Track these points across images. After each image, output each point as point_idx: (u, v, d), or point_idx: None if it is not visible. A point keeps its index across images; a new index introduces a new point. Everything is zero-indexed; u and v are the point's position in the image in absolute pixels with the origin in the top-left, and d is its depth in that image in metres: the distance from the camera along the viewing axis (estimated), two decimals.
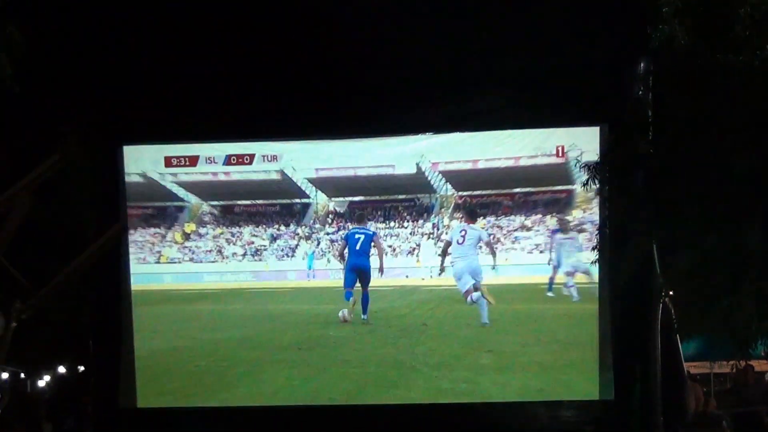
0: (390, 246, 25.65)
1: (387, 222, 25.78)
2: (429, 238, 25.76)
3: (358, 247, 22.31)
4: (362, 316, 21.88)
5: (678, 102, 15.47)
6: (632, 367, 17.52)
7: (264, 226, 26.27)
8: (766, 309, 14.68)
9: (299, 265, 26.47)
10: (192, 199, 25.11)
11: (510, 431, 17.75)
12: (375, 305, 22.51)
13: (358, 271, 22.05)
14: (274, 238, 26.30)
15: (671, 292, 17.02)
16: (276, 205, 26.23)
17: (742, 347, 16.50)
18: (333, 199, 25.50)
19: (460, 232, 21.95)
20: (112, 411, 18.95)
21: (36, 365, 30.75)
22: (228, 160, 21.74)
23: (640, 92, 17.05)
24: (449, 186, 25.21)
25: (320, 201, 25.88)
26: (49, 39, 17.30)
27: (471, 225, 22.15)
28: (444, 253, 22.43)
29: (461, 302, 21.37)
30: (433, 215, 25.82)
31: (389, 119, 19.40)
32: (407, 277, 26.17)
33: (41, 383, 35.76)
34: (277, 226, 26.16)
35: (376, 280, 22.73)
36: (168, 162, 21.15)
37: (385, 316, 22.82)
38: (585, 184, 16.67)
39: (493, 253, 22.12)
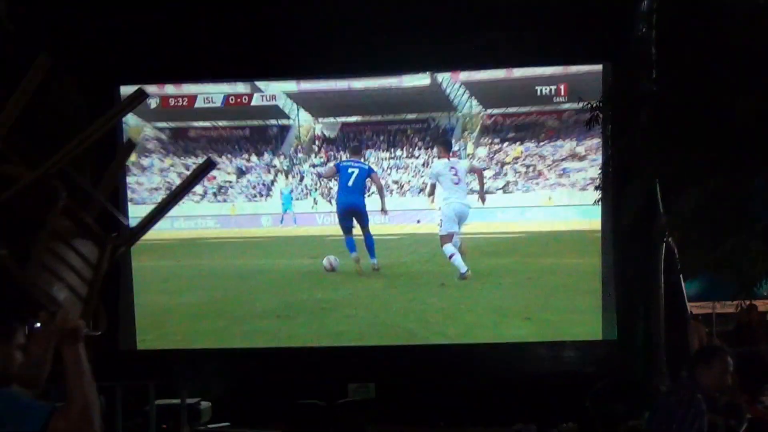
0: (396, 182, 20.89)
1: (392, 150, 20.86)
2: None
3: (350, 184, 19.51)
4: (371, 261, 19.57)
5: (682, 40, 15.47)
6: (635, 308, 17.51)
7: (229, 155, 21.08)
8: None
9: (276, 208, 21.56)
10: (131, 121, 20.13)
11: (514, 371, 17.42)
12: (378, 260, 19.91)
13: (352, 212, 19.57)
14: (242, 172, 21.28)
15: (675, 233, 16.91)
16: (245, 128, 20.84)
17: (747, 287, 16.58)
18: (320, 119, 20.82)
19: (450, 170, 19.48)
20: (113, 354, 17.53)
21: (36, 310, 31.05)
22: (226, 101, 20.27)
23: (644, 30, 16.87)
24: (475, 101, 20.31)
25: (303, 123, 20.82)
26: None
27: (453, 159, 19.70)
28: (430, 196, 19.99)
29: (489, 254, 20.30)
30: (453, 140, 20.35)
31: (390, 57, 18.64)
32: (419, 222, 21.12)
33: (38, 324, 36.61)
34: (246, 156, 20.97)
35: (378, 227, 20.10)
36: (165, 102, 19.95)
37: (391, 274, 20.03)
38: (588, 124, 17.01)
39: (482, 185, 19.55)
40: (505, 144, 20.20)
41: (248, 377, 17.77)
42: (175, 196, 5.74)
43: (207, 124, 20.80)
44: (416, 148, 20.94)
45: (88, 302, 5.12)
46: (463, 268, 18.77)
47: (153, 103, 19.32)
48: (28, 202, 5.10)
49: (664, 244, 17.14)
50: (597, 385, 16.39)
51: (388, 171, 20.73)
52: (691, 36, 15.18)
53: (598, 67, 18.04)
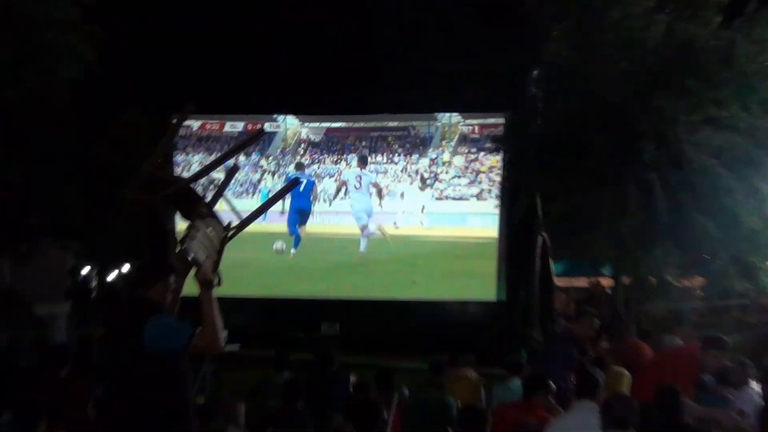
0: (375, 185, 19.12)
1: (373, 156, 19.28)
2: (426, 177, 19.22)
3: (302, 190, 18.67)
4: (292, 251, 18.97)
5: (560, 98, 16.42)
6: (519, 280, 18.08)
7: (218, 153, 17.89)
8: (613, 244, 15.86)
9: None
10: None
11: (436, 319, 17.74)
12: (354, 255, 18.93)
13: (302, 213, 18.91)
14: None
15: (547, 230, 17.89)
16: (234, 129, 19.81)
17: (596, 268, 18.45)
18: (306, 124, 19.69)
19: (356, 177, 18.92)
20: None
21: (107, 265, 31.15)
22: (245, 127, 20.09)
23: (534, 91, 17.61)
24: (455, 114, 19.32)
25: (290, 126, 19.75)
26: (124, 34, 17.43)
27: (363, 170, 18.97)
28: (338, 191, 19.23)
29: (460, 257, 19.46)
30: (431, 149, 19.22)
31: (347, 102, 18.83)
32: (396, 224, 19.32)
33: (109, 278, 36.33)
34: (235, 156, 18.68)
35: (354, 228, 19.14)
36: (203, 126, 19.89)
37: (369, 283, 19.04)
38: (492, 152, 18.02)
39: (380, 196, 18.70)
40: (482, 154, 19.13)
41: (252, 317, 18.09)
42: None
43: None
44: (396, 154, 19.31)
45: (216, 263, 5.55)
46: (362, 248, 18.70)
47: (196, 125, 19.49)
48: (182, 197, 5.77)
49: (540, 237, 17.87)
50: (490, 331, 17.03)
51: (399, 175, 19.35)
52: (565, 96, 16.19)
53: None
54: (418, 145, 19.11)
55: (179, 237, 5.72)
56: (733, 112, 15.05)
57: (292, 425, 5.34)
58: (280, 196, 6.62)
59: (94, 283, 26.72)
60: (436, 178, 19.11)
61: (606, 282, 19.85)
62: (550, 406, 7.68)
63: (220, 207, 6.02)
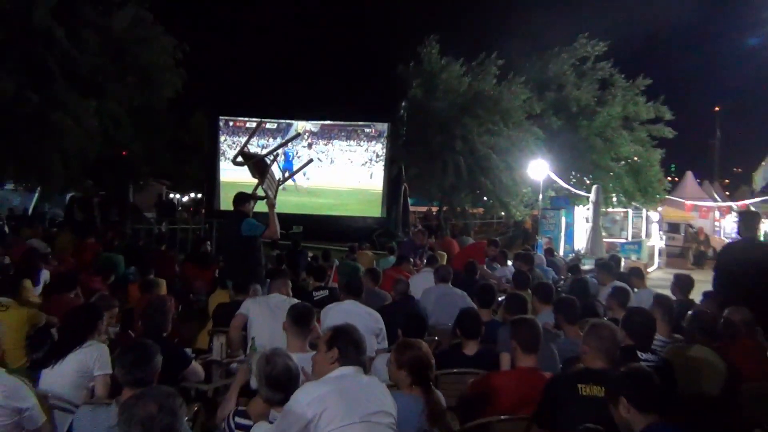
0: (349, 159, 18.73)
1: (347, 141, 18.95)
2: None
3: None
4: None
5: (416, 116, 17.98)
6: (392, 206, 18.25)
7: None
8: (440, 190, 17.51)
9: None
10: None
11: (347, 228, 17.16)
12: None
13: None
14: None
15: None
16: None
17: (429, 202, 19.52)
18: (310, 121, 18.89)
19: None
20: (211, 211, 18.97)
21: (183, 193, 31.94)
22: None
23: (402, 112, 18.67)
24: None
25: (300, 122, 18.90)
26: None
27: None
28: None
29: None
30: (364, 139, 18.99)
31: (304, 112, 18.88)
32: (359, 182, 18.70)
33: (184, 199, 36.45)
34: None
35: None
36: (235, 124, 19.46)
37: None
38: (382, 146, 18.62)
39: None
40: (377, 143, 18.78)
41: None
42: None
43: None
44: (362, 140, 18.95)
45: (274, 195, 6.27)
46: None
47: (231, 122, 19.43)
48: (259, 162, 6.31)
49: (404, 186, 18.45)
50: (377, 231, 17.25)
51: (346, 152, 18.90)
52: (418, 116, 17.76)
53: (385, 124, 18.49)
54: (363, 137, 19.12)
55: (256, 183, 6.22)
56: (500, 127, 17.13)
57: (280, 276, 4.75)
58: (300, 168, 6.55)
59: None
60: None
61: (433, 209, 21.04)
62: (409, 269, 7.75)
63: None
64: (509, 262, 8.75)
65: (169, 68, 16.32)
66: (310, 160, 7.33)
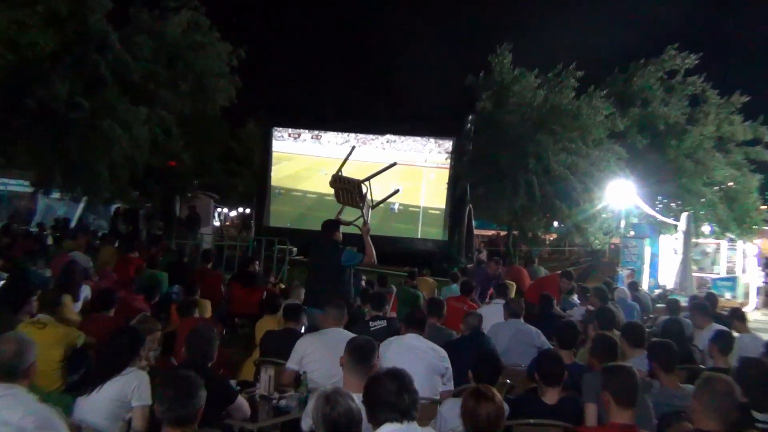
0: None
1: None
2: None
3: None
4: None
5: (484, 131, 17.83)
6: (455, 228, 18.63)
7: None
8: (509, 213, 17.15)
9: None
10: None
11: (407, 250, 17.27)
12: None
13: None
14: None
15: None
16: None
17: (499, 225, 19.20)
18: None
19: None
20: (261, 226, 19.91)
21: (231, 208, 32.96)
22: (312, 137, 20.34)
23: (469, 127, 18.73)
24: None
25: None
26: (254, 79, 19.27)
27: None
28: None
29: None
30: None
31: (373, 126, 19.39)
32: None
33: (232, 214, 36.92)
34: None
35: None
36: (290, 135, 20.28)
37: None
38: (446, 159, 18.94)
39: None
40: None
41: (310, 240, 19.32)
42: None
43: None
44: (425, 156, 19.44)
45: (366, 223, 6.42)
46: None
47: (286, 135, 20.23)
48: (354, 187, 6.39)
49: (468, 207, 18.69)
50: (438, 256, 17.48)
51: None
52: (487, 131, 17.60)
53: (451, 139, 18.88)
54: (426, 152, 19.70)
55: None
56: (578, 145, 16.73)
57: (335, 306, 4.60)
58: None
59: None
60: None
61: (501, 233, 21.03)
62: (474, 299, 7.90)
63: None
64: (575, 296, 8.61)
65: (224, 75, 16.65)
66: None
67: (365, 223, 6.41)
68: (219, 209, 30.23)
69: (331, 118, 19.35)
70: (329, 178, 6.63)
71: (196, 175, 19.01)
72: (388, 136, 19.93)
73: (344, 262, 6.21)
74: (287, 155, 20.49)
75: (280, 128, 20.20)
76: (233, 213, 35.61)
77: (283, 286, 10.73)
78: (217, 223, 29.56)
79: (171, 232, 16.97)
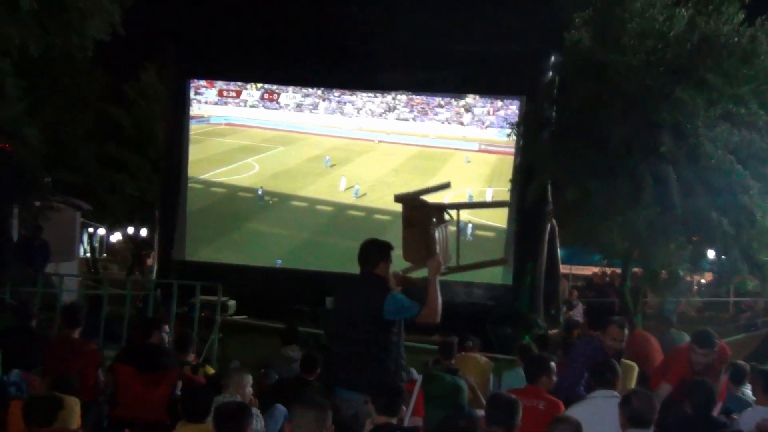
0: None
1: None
2: None
3: None
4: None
5: (578, 86, 17.44)
6: (525, 263, 18.84)
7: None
8: (626, 234, 16.64)
9: None
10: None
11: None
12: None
13: None
14: None
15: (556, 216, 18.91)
16: None
17: (608, 258, 18.84)
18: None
19: None
20: (168, 261, 20.52)
21: (113, 226, 32.79)
22: (262, 96, 21.75)
23: (550, 76, 18.70)
24: None
25: None
26: None
27: None
28: None
29: None
30: None
31: (371, 78, 20.30)
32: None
33: (112, 238, 38.10)
34: None
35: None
36: (220, 93, 21.19)
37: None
38: (508, 135, 18.80)
39: None
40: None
41: (260, 286, 19.32)
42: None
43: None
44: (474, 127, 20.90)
45: (444, 259, 7.08)
46: None
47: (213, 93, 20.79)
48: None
49: (550, 224, 18.91)
50: (494, 314, 17.77)
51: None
52: (583, 84, 17.21)
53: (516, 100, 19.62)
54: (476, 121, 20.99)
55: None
56: (752, 110, 15.99)
57: (307, 397, 5.72)
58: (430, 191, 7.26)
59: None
60: None
61: (608, 270, 21.18)
62: (551, 385, 8.03)
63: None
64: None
65: None
66: (447, 184, 7.83)
67: (436, 254, 6.76)
68: (90, 229, 29.91)
69: (292, 63, 19.92)
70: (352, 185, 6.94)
71: (49, 167, 18.64)
72: (398, 95, 21.07)
73: (388, 315, 6.56)
74: (216, 128, 21.70)
75: (202, 81, 20.63)
76: (115, 236, 35.27)
77: (211, 370, 10.90)
78: (85, 254, 29.99)
79: (2, 270, 16.89)
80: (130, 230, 33.26)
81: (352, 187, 21.94)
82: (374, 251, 6.99)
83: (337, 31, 20.86)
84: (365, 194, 21.93)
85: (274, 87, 21.64)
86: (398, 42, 19.88)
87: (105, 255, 32.82)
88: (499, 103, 20.15)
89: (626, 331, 9.48)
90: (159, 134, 21.92)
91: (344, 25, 20.94)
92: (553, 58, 18.64)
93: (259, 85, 21.65)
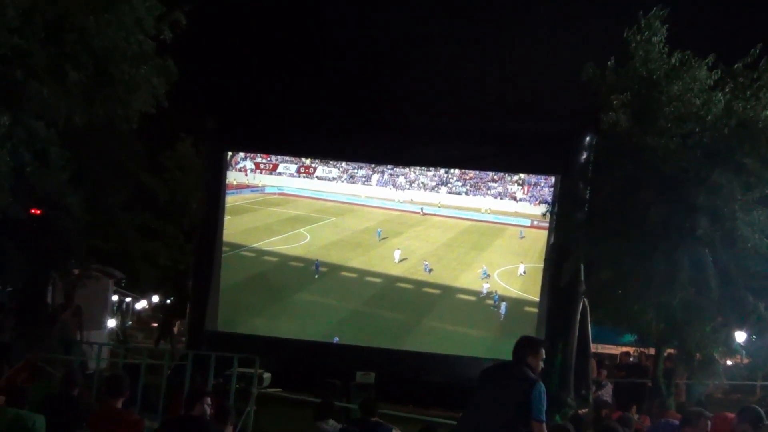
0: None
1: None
2: None
3: None
4: None
5: (614, 166, 17.81)
6: (556, 342, 19.08)
7: None
8: (662, 316, 17.18)
9: None
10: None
11: (471, 377, 17.27)
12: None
13: None
14: None
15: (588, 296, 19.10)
16: None
17: (644, 339, 19.22)
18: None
19: None
20: (199, 332, 21.04)
21: (143, 294, 33.45)
22: (298, 170, 22.77)
23: (587, 156, 19.11)
24: None
25: None
26: (190, 67, 19.06)
27: None
28: None
29: None
30: None
31: (408, 153, 21.21)
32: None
33: (138, 306, 38.49)
34: None
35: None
36: (257, 166, 22.15)
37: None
38: (543, 215, 19.27)
39: None
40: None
41: (295, 360, 19.76)
42: None
43: None
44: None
45: None
46: None
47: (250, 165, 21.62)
48: None
49: (582, 302, 19.09)
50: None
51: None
52: (620, 165, 17.52)
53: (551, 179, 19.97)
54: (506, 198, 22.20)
55: None
56: None
57: None
58: None
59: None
60: None
61: (641, 351, 21.05)
62: None
63: None
64: None
65: (147, 58, 16.66)
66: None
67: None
68: (117, 298, 30.67)
69: (325, 139, 20.48)
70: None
71: (89, 235, 19.05)
72: (439, 177, 22.14)
73: (536, 415, 7.17)
74: (270, 198, 23.08)
75: (241, 152, 21.50)
76: (141, 304, 35.40)
77: None
78: (113, 323, 29.86)
79: (32, 337, 17.15)
80: (155, 299, 34.01)
81: (406, 259, 22.72)
82: (529, 345, 7.80)
83: (374, 107, 21.16)
84: (432, 270, 22.66)
85: (308, 161, 22.46)
86: (434, 118, 20.44)
87: (130, 323, 33.39)
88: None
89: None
90: (193, 204, 22.18)
91: (381, 100, 20.87)
92: (588, 138, 18.98)
93: (294, 158, 22.60)
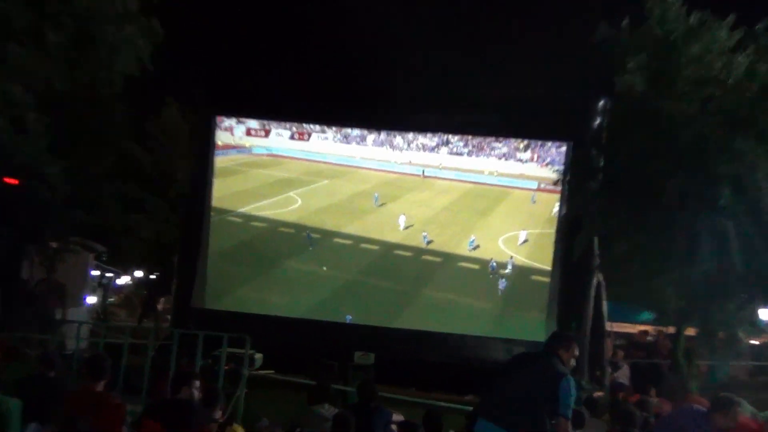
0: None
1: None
2: None
3: None
4: None
5: (630, 133, 17.60)
6: (569, 320, 19.10)
7: None
8: (682, 292, 16.97)
9: None
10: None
11: (475, 357, 18.88)
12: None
13: None
14: None
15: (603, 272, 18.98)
16: None
17: (662, 317, 19.05)
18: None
19: None
20: (186, 309, 20.79)
21: (125, 270, 33.22)
22: (292, 135, 22.64)
23: (600, 122, 19.00)
24: None
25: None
26: (178, 30, 18.91)
27: None
28: None
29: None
30: None
31: (412, 120, 21.26)
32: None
33: (119, 281, 38.33)
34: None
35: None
36: (248, 132, 22.11)
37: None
38: (555, 183, 19.25)
39: None
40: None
41: (288, 339, 19.34)
42: None
43: None
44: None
45: None
46: None
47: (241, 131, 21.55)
48: None
49: (596, 278, 18.94)
50: None
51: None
52: (635, 132, 17.33)
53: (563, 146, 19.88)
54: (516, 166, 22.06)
55: None
56: None
57: None
58: None
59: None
60: None
61: (659, 330, 20.88)
62: None
63: None
64: None
65: (131, 19, 16.73)
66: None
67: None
68: (98, 273, 30.25)
69: (323, 102, 20.58)
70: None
71: (69, 206, 18.74)
72: (440, 136, 22.12)
73: (563, 408, 7.15)
74: (259, 159, 22.83)
75: (228, 117, 21.42)
76: (122, 279, 35.36)
77: (240, 429, 10.53)
78: (93, 299, 29.85)
79: (11, 316, 17.01)
80: (138, 274, 33.74)
81: (412, 225, 22.46)
82: (562, 340, 7.93)
83: (371, 71, 20.31)
84: (431, 241, 22.34)
85: (304, 126, 22.34)
86: (440, 85, 20.16)
87: (112, 300, 33.03)
88: (544, 150, 20.78)
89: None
90: (179, 174, 22.08)
91: (380, 64, 20.67)
92: (602, 103, 18.94)
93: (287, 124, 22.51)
